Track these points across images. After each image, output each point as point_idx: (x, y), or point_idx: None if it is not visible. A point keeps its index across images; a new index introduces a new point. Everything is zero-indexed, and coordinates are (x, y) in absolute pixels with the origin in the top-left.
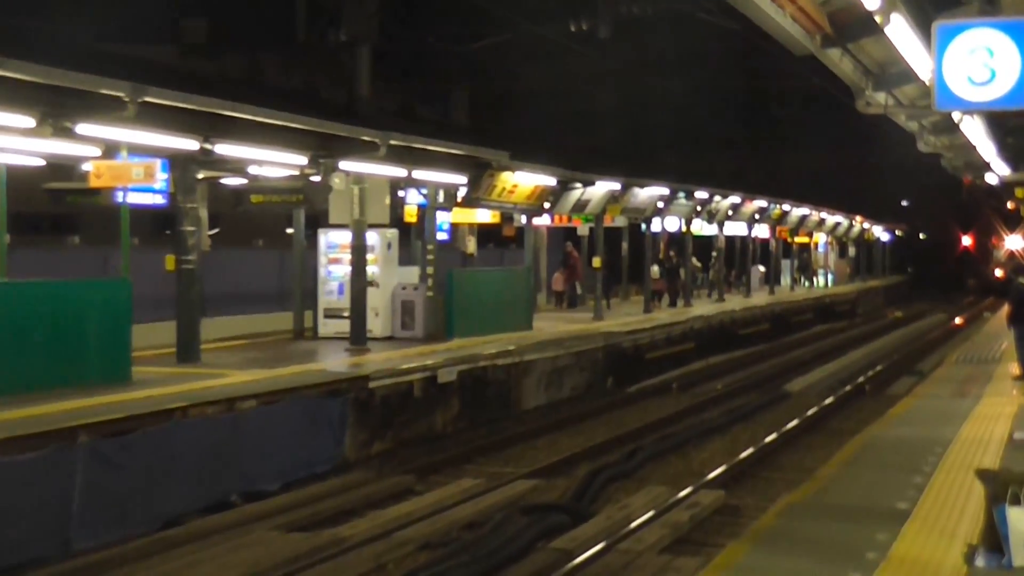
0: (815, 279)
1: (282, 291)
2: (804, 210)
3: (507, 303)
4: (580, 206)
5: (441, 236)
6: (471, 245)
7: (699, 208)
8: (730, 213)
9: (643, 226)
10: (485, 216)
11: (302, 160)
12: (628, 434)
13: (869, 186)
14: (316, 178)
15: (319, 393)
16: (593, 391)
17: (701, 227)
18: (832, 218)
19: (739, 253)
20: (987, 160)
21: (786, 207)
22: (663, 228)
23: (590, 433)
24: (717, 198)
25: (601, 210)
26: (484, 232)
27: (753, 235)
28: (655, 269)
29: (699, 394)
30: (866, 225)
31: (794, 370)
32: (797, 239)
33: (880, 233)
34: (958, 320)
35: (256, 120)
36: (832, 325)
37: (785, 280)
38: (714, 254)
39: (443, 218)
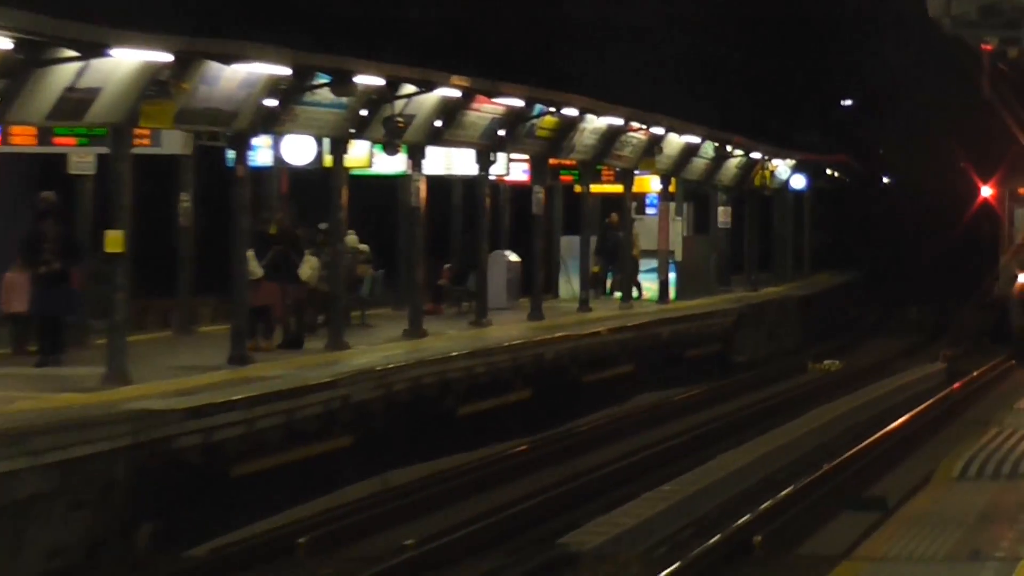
0: (639, 284)
1: None
2: (612, 119)
3: None
4: None
5: None
6: None
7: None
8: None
9: None
10: None
11: None
12: None
13: (770, 71)
14: None
15: None
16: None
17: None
18: (679, 138)
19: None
20: None
21: (570, 110)
22: None
23: None
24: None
25: None
26: None
27: (496, 175)
28: None
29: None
30: (757, 156)
31: (589, 498)
32: (597, 187)
33: (787, 175)
34: (965, 379)
35: None
36: (678, 391)
37: (570, 284)
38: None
39: None
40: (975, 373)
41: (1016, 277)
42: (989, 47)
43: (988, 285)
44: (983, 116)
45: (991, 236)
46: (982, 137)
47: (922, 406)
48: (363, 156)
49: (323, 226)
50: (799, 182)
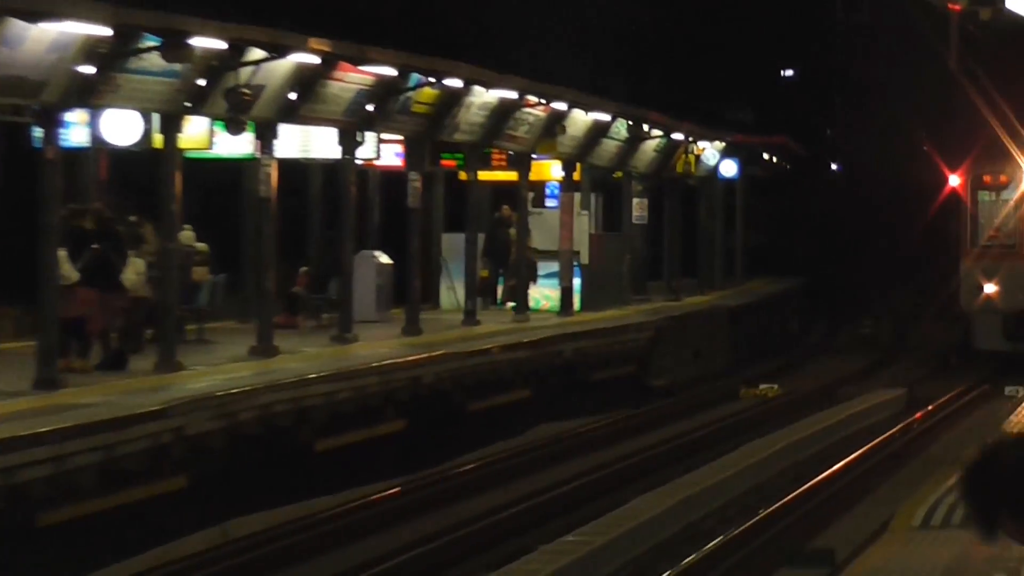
0: (530, 291)
1: None
2: (504, 92)
3: None
4: None
5: None
6: None
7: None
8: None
9: None
10: None
11: None
12: None
13: (695, 36)
14: None
15: None
16: None
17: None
18: (585, 115)
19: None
20: None
21: (453, 81)
22: None
23: None
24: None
25: None
26: None
27: (363, 159)
28: None
29: None
30: (679, 137)
31: (471, 553)
32: (486, 174)
33: (716, 160)
34: (929, 408)
35: None
36: (584, 422)
37: (453, 291)
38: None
39: None
40: (941, 400)
41: (981, 287)
42: (957, 6)
43: (949, 294)
44: (949, 91)
45: (957, 234)
46: (949, 116)
47: (877, 440)
48: (201, 135)
49: (134, 218)
50: (730, 169)
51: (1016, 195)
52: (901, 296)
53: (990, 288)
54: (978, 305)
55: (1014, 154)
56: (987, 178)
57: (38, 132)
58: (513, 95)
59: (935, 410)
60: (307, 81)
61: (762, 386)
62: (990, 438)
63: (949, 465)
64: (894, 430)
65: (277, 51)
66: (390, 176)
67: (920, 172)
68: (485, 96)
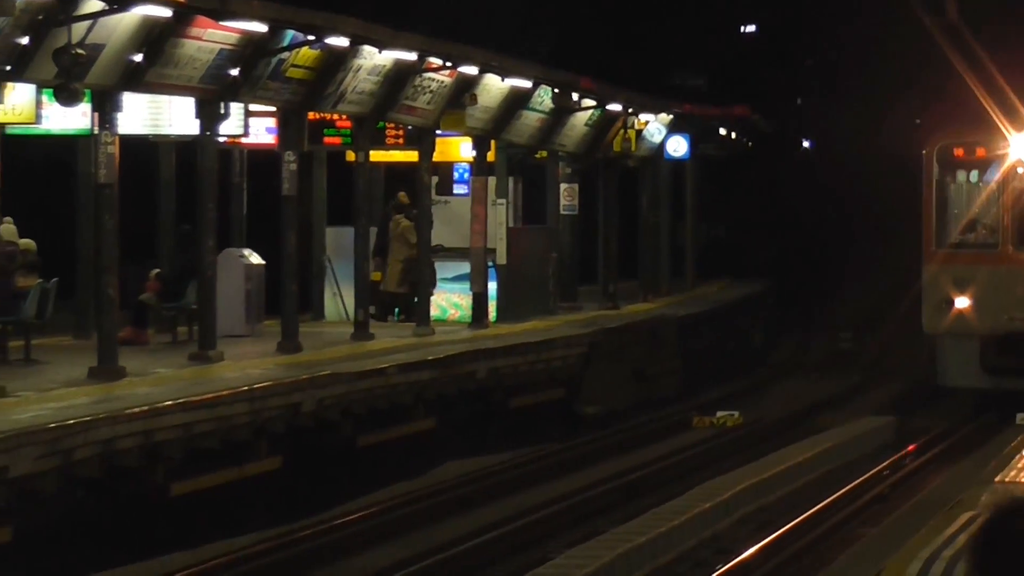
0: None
1: None
2: (400, 52)
3: None
4: None
5: None
6: None
7: None
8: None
9: None
10: None
11: None
12: None
13: None
14: None
15: None
16: None
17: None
18: (501, 82)
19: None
20: None
21: (337, 40)
22: None
23: None
24: None
25: None
26: None
27: (227, 136)
28: None
29: None
30: (616, 108)
31: None
32: (380, 154)
33: (661, 136)
34: (922, 439)
35: None
36: (500, 459)
37: (340, 298)
38: None
39: None
40: (937, 430)
41: (951, 302)
42: None
43: (908, 306)
44: (941, 51)
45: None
46: (940, 82)
47: (859, 479)
48: (25, 107)
49: None
50: (678, 147)
51: (999, 175)
52: (886, 301)
53: (962, 302)
54: (946, 326)
55: (997, 121)
56: (959, 151)
57: None
58: (412, 56)
59: (929, 442)
60: (156, 39)
61: (719, 414)
62: (1003, 492)
63: (947, 509)
64: (880, 467)
65: (118, 2)
66: (260, 157)
67: (910, 149)
68: (377, 58)
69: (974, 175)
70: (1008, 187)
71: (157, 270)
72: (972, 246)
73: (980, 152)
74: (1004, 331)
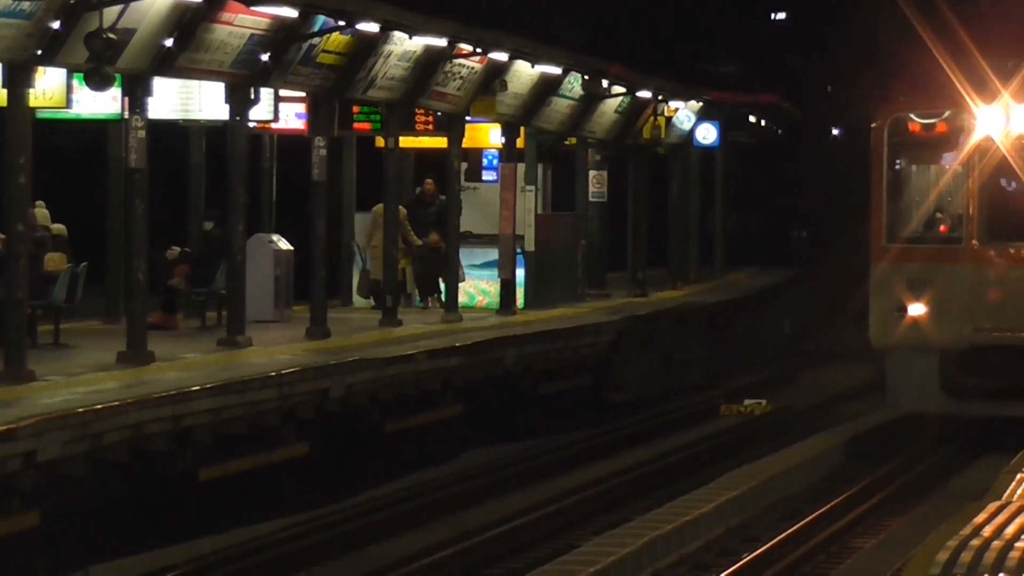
0: (442, 288)
1: None
2: (431, 38)
3: None
4: None
5: None
6: None
7: None
8: None
9: None
10: None
11: None
12: None
13: None
14: None
15: None
16: None
17: None
18: (531, 68)
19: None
20: None
21: (368, 25)
22: None
23: None
24: None
25: None
26: None
27: (258, 122)
28: None
29: None
30: (647, 95)
31: None
32: (409, 140)
33: (691, 124)
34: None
35: None
36: (527, 446)
37: None
38: None
39: None
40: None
41: (903, 308)
42: None
43: (856, 308)
44: (980, 32)
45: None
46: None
47: (887, 467)
48: (57, 91)
49: None
50: (708, 134)
51: (962, 155)
52: None
53: (917, 309)
54: (898, 338)
55: (961, 90)
56: (914, 127)
57: None
58: (442, 42)
59: (957, 431)
60: (187, 24)
61: (747, 402)
62: None
63: (976, 498)
64: (909, 454)
65: None
66: (290, 142)
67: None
68: (408, 44)
69: (933, 155)
70: (975, 170)
71: (178, 248)
72: (930, 241)
73: (940, 128)
74: (968, 344)
